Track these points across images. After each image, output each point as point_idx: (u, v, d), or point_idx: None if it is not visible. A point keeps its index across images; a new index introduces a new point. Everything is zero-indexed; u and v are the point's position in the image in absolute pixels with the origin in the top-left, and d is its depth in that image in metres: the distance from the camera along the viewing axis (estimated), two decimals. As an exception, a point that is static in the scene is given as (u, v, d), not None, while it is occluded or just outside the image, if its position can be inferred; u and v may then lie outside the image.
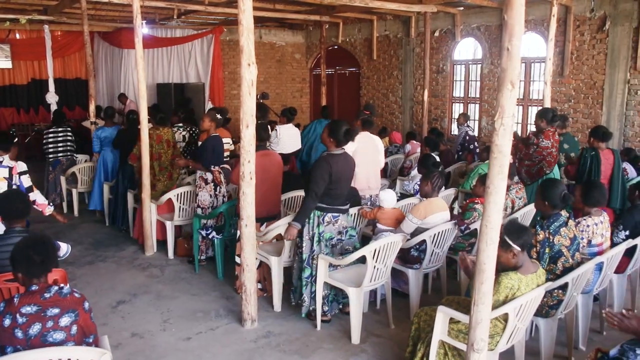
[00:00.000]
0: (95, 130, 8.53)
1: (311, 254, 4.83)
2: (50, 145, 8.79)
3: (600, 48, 9.21)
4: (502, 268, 3.62)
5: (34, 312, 2.63)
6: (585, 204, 4.64)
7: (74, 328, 2.75)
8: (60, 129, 8.87)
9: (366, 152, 6.44)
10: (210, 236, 6.14)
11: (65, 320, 2.70)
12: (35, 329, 2.61)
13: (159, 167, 7.11)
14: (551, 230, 4.11)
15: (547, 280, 3.86)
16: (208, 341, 4.69)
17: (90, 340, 2.90)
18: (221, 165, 6.47)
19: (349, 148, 6.04)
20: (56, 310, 2.69)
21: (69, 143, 8.97)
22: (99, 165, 8.24)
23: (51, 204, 5.54)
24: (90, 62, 9.48)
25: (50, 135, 8.80)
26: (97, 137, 8.33)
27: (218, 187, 6.35)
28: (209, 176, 6.31)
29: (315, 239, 4.80)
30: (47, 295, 2.69)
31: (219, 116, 6.51)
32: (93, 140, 8.47)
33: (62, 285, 2.84)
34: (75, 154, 9.14)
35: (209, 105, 13.43)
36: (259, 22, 13.10)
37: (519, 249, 3.57)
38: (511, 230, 3.62)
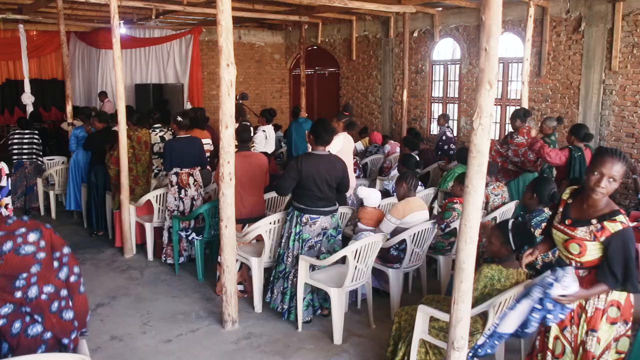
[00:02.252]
0: (74, 129, 8.42)
1: (287, 251, 4.84)
2: (15, 147, 8.64)
3: (576, 48, 9.34)
4: (483, 259, 3.71)
5: (4, 234, 2.73)
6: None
7: (42, 242, 2.83)
8: (26, 131, 8.71)
9: (346, 152, 6.48)
10: (190, 237, 6.11)
11: (32, 237, 2.79)
12: (7, 245, 2.70)
13: (140, 169, 7.05)
14: (533, 224, 4.19)
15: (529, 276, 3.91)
16: (189, 343, 4.66)
17: (66, 251, 2.96)
18: (200, 167, 6.44)
19: (334, 149, 6.09)
20: (22, 229, 2.78)
21: (34, 146, 8.78)
22: (72, 165, 8.13)
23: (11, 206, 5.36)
24: (66, 63, 9.36)
25: (16, 136, 8.64)
26: (75, 136, 8.22)
27: (183, 190, 6.30)
28: (174, 178, 6.27)
29: (291, 238, 4.82)
30: (9, 221, 2.80)
31: (179, 118, 6.42)
32: (70, 139, 8.36)
33: (20, 217, 2.91)
34: (40, 158, 8.99)
35: (187, 106, 13.36)
36: (238, 22, 13.05)
37: (514, 248, 3.69)
38: (518, 231, 3.76)
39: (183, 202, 6.33)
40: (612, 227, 2.94)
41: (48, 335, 2.79)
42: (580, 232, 3.04)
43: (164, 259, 6.48)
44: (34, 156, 8.81)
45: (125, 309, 5.35)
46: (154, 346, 4.61)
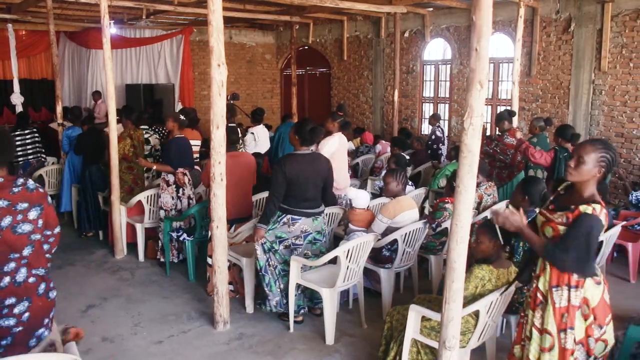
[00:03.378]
0: (65, 130, 8.37)
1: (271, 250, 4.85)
2: (19, 149, 8.60)
3: (565, 49, 9.39)
4: (478, 257, 3.72)
5: (5, 206, 2.74)
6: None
7: (40, 222, 2.88)
8: (26, 131, 8.69)
9: (342, 153, 6.48)
10: (181, 238, 6.09)
11: (33, 214, 2.83)
12: (6, 221, 2.72)
13: (138, 169, 7.02)
14: None
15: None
16: (180, 344, 4.64)
17: (56, 232, 3.04)
18: (191, 167, 6.43)
19: (328, 150, 6.09)
20: (25, 205, 2.81)
21: (37, 144, 8.81)
22: (67, 166, 8.08)
23: None
24: (56, 63, 9.29)
25: (18, 138, 8.59)
26: (67, 137, 8.17)
27: (181, 189, 6.29)
28: (171, 178, 6.26)
29: (269, 236, 4.82)
30: (15, 190, 2.80)
31: (182, 117, 6.44)
32: (63, 140, 8.31)
33: (27, 179, 2.93)
34: (43, 155, 8.97)
35: (179, 106, 13.31)
36: (229, 22, 13.01)
37: (502, 242, 3.67)
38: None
39: (181, 201, 6.32)
40: (583, 209, 2.96)
41: (26, 316, 2.80)
42: (557, 216, 3.08)
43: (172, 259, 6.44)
44: (38, 154, 8.79)
45: (116, 310, 5.32)
46: (145, 347, 4.59)
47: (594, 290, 3.04)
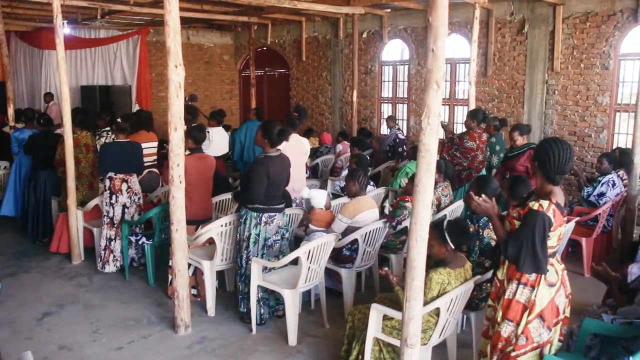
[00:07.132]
0: (14, 132, 8.12)
1: (247, 255, 4.81)
2: None
3: (520, 50, 9.61)
4: (433, 260, 3.78)
5: None
6: (511, 198, 4.84)
7: None
8: None
9: (293, 154, 6.42)
10: (140, 242, 6.00)
11: None
12: None
13: (77, 172, 6.85)
14: (480, 224, 4.28)
15: (476, 273, 4.00)
16: (141, 350, 4.57)
17: None
18: (135, 172, 6.32)
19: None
20: None
21: None
22: (14, 168, 7.83)
23: None
24: (7, 64, 9.03)
25: None
26: (15, 139, 7.92)
27: (114, 196, 6.16)
28: (107, 183, 6.15)
29: (252, 239, 4.78)
30: None
31: (119, 121, 6.36)
32: (12, 142, 8.06)
33: None
34: None
35: (135, 108, 13.10)
36: (186, 23, 12.88)
37: (453, 247, 3.73)
38: (453, 229, 3.80)
39: (113, 208, 6.18)
40: (531, 205, 3.10)
41: None
42: (515, 211, 3.23)
43: (100, 267, 6.31)
44: None
45: (73, 317, 5.20)
46: (104, 354, 4.50)
47: (544, 291, 3.15)
